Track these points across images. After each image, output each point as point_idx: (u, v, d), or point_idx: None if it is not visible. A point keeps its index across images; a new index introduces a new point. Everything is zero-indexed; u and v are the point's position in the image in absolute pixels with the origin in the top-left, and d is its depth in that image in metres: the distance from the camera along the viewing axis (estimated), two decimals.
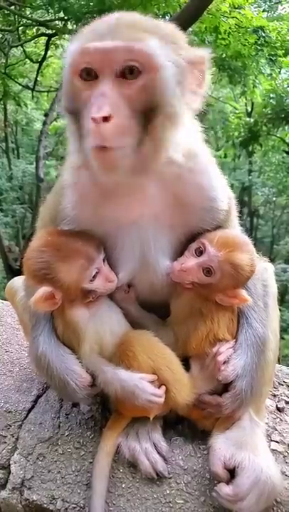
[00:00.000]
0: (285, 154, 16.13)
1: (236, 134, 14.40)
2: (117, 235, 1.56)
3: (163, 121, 1.27)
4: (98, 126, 1.17)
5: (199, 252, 1.53)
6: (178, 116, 1.32)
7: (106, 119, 1.16)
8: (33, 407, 1.86)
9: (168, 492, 1.53)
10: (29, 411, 1.84)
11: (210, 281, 1.51)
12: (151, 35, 1.24)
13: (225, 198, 1.59)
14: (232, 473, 1.47)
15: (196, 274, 1.52)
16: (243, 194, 20.85)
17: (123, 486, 1.57)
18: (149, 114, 1.24)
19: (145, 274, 1.60)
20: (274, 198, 19.76)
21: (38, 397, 1.91)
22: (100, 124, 1.17)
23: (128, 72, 1.21)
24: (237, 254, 1.49)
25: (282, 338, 13.92)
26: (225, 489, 1.43)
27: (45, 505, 1.62)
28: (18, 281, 1.91)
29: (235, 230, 1.70)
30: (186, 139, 1.42)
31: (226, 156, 19.50)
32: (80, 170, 1.48)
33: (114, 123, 1.18)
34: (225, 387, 1.55)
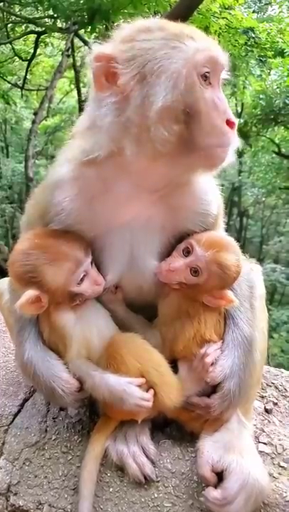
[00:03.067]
0: (274, 155, 16.26)
1: None
2: (107, 235, 1.54)
3: None
4: (233, 130, 1.34)
5: (187, 252, 1.54)
6: None
7: None
8: (19, 411, 1.84)
9: (156, 496, 1.52)
10: (15, 415, 1.82)
11: (197, 282, 1.51)
12: None
13: (216, 202, 1.61)
14: (220, 475, 1.47)
15: (184, 274, 1.52)
16: (233, 194, 20.98)
17: (111, 490, 1.55)
18: None
19: (133, 275, 1.59)
20: (263, 199, 19.92)
21: (25, 401, 1.89)
22: (234, 128, 1.35)
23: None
24: (224, 255, 1.50)
25: (271, 337, 14.08)
26: (213, 493, 1.42)
27: (31, 511, 1.60)
28: (3, 283, 1.88)
29: (221, 231, 1.71)
30: None
31: None
32: (86, 165, 1.44)
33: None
34: (213, 389, 1.55)
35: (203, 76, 1.30)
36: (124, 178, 1.44)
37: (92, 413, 1.73)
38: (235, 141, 1.36)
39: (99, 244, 1.56)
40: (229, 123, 1.32)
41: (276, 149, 15.61)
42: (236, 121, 1.35)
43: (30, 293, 1.44)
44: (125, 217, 1.51)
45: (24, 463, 1.67)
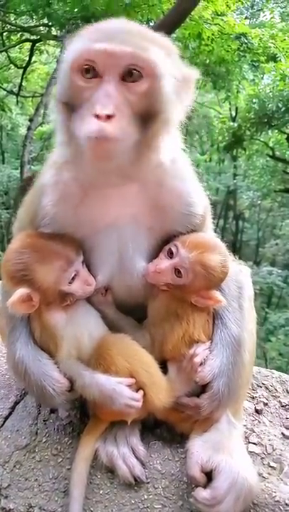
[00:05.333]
0: (268, 158, 16.35)
1: (220, 138, 14.58)
2: (95, 236, 1.56)
3: (159, 127, 1.35)
4: (100, 123, 1.22)
5: (172, 254, 1.55)
6: (171, 124, 1.41)
7: (109, 117, 1.23)
8: (10, 413, 1.83)
9: (146, 497, 1.52)
10: (6, 418, 1.81)
11: (183, 282, 1.53)
12: (156, 46, 1.32)
13: (201, 203, 1.63)
14: (209, 476, 1.47)
15: (170, 276, 1.54)
16: (229, 198, 21.07)
17: (101, 492, 1.55)
18: (147, 119, 1.31)
19: (122, 276, 1.60)
20: (259, 202, 19.99)
21: (16, 403, 1.88)
22: (102, 121, 1.22)
23: (129, 76, 1.28)
24: (208, 256, 1.51)
25: (269, 340, 14.03)
26: (202, 493, 1.42)
27: None
28: None
29: (208, 233, 1.72)
30: (171, 146, 1.47)
31: (210, 160, 19.70)
32: (63, 168, 1.49)
33: (115, 122, 1.24)
34: (202, 389, 1.56)
35: (83, 71, 1.29)
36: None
37: (82, 415, 1.73)
38: (103, 133, 1.23)
39: (88, 245, 1.58)
40: (96, 116, 1.24)
41: (270, 152, 15.70)
42: (105, 111, 1.23)
43: (21, 291, 1.45)
44: (110, 217, 1.53)
45: (15, 466, 1.66)
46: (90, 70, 1.29)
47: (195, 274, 1.51)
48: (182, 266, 1.51)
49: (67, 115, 1.35)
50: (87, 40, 1.30)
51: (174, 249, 1.55)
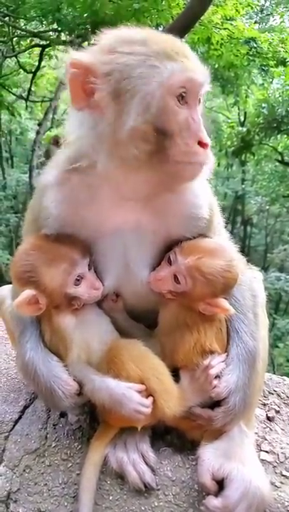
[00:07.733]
0: (277, 163, 16.28)
1: (229, 143, 14.57)
2: (101, 241, 1.55)
3: None
4: (206, 150, 1.36)
5: (171, 261, 1.53)
6: None
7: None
8: (20, 417, 1.83)
9: (156, 504, 1.50)
10: (16, 422, 1.81)
11: (183, 290, 1.50)
12: None
13: (206, 205, 1.58)
14: (220, 484, 1.45)
15: (170, 283, 1.51)
16: (237, 203, 21.02)
17: (110, 498, 1.54)
18: None
19: (129, 283, 1.59)
20: (267, 207, 19.88)
21: (26, 407, 1.88)
22: (206, 149, 1.37)
23: None
24: (206, 261, 1.47)
25: (276, 346, 13.90)
26: (213, 502, 1.40)
27: None
28: (5, 289, 1.90)
29: (219, 237, 1.67)
30: None
31: (218, 165, 19.66)
32: (73, 172, 1.47)
33: (209, 149, 1.38)
34: (216, 400, 1.52)
35: (179, 96, 1.32)
36: (107, 185, 1.46)
37: (92, 420, 1.72)
38: (208, 160, 1.39)
39: (95, 249, 1.57)
40: (201, 144, 1.35)
41: (279, 157, 15.64)
42: (209, 141, 1.37)
43: (27, 292, 1.45)
44: (113, 223, 1.52)
45: (24, 470, 1.66)
46: (183, 97, 1.33)
47: (194, 281, 1.47)
48: (179, 272, 1.49)
49: (154, 142, 1.32)
50: (179, 65, 1.30)
51: (172, 257, 1.53)
